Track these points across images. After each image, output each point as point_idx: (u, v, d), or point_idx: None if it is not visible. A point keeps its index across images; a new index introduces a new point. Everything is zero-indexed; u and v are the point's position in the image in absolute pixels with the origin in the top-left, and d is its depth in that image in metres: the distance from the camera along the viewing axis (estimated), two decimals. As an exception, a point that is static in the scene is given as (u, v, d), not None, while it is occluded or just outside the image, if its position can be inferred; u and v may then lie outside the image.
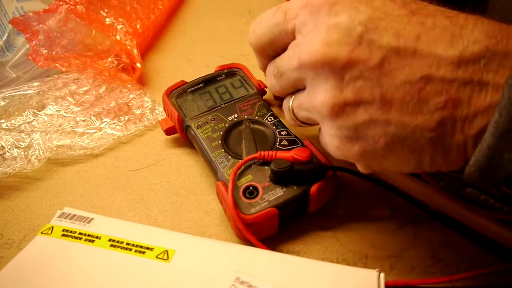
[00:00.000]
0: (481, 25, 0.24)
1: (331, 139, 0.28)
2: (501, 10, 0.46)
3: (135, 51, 0.52)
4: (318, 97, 0.26)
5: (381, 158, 0.27)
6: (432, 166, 0.26)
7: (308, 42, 0.26)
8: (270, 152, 0.35)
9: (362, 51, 0.24)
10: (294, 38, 0.29)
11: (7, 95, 0.49)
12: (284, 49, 0.30)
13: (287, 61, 0.29)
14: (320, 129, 0.31)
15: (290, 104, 0.32)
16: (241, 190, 0.34)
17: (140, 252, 0.30)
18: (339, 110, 0.26)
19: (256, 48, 0.33)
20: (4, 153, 0.43)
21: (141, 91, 0.51)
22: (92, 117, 0.47)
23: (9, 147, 0.43)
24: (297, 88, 0.31)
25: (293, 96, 0.31)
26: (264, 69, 0.35)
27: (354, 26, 0.25)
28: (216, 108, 0.42)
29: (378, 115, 0.25)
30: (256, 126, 0.40)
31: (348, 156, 0.28)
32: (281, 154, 0.35)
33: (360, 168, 0.29)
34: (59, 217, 0.33)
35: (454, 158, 0.25)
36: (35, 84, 0.50)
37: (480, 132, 0.24)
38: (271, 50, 0.32)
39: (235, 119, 0.40)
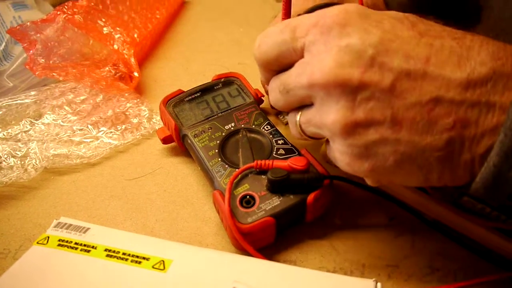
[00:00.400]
0: (487, 46, 0.25)
1: (342, 156, 0.28)
2: (494, 20, 0.47)
3: (132, 60, 0.52)
4: (329, 116, 0.27)
5: (391, 174, 0.27)
6: (440, 181, 0.27)
7: (319, 62, 0.26)
8: (267, 161, 0.35)
9: (373, 73, 0.25)
10: (302, 56, 0.29)
11: (4, 104, 0.49)
12: (290, 65, 0.30)
13: (295, 78, 0.29)
14: (327, 142, 0.31)
15: (298, 119, 0.31)
16: (238, 199, 0.34)
17: (136, 262, 0.30)
18: (350, 129, 0.26)
19: (260, 63, 0.32)
20: (0, 162, 0.43)
21: (138, 100, 0.51)
22: (89, 126, 0.47)
23: (5, 156, 0.43)
24: (303, 104, 0.31)
25: (300, 112, 0.31)
26: (267, 82, 0.34)
27: (365, 48, 0.25)
28: (213, 117, 0.42)
29: (388, 135, 0.26)
30: (253, 135, 0.40)
31: (358, 172, 0.28)
32: (278, 163, 0.35)
33: (369, 182, 0.30)
34: (55, 227, 0.33)
35: (461, 175, 0.26)
36: (32, 93, 0.50)
37: (487, 151, 0.25)
38: (276, 66, 0.32)
39: (232, 128, 0.41)
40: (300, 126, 0.31)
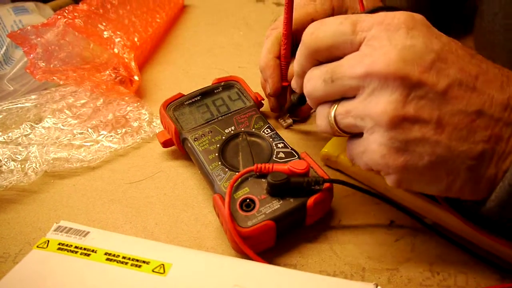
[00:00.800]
0: None
1: (380, 147, 0.29)
2: (483, 32, 0.47)
3: (132, 64, 0.52)
4: (378, 106, 0.28)
5: (418, 175, 0.29)
6: (460, 192, 0.29)
7: (383, 55, 0.27)
8: (267, 165, 0.35)
9: (431, 75, 0.27)
10: (356, 49, 0.30)
11: (4, 108, 0.49)
12: (338, 57, 0.31)
13: (349, 67, 0.29)
14: (352, 138, 0.32)
15: (333, 111, 0.32)
16: (238, 203, 0.34)
17: (136, 266, 0.30)
18: (397, 122, 0.27)
19: (310, 49, 0.32)
20: (1, 166, 0.43)
21: (138, 103, 0.51)
22: (89, 130, 0.47)
23: (5, 160, 0.43)
24: (344, 96, 0.31)
25: (336, 104, 0.32)
26: (301, 72, 0.34)
27: (428, 52, 0.27)
28: (213, 121, 0.42)
29: (430, 135, 0.27)
30: (253, 138, 0.40)
31: (390, 166, 0.29)
32: (277, 167, 0.35)
33: (390, 181, 0.30)
34: (55, 230, 0.33)
35: (482, 188, 0.28)
36: (33, 97, 0.50)
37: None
38: (324, 55, 0.32)
39: (232, 132, 0.41)
40: (335, 117, 0.32)
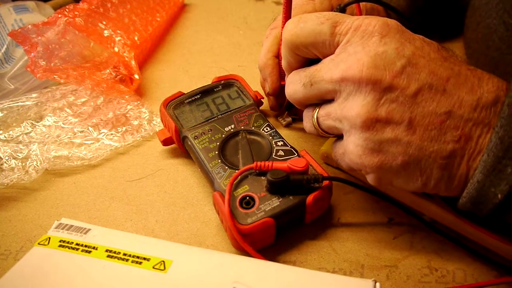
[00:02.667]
0: (493, 79, 0.29)
1: (356, 148, 0.30)
2: (468, 39, 0.47)
3: (133, 62, 0.53)
4: (353, 109, 0.29)
5: (394, 174, 0.30)
6: (435, 189, 0.30)
7: (357, 61, 0.29)
8: (267, 163, 0.36)
9: (402, 79, 0.28)
10: (332, 52, 0.32)
11: (5, 106, 0.49)
12: (315, 56, 0.33)
13: (326, 72, 0.31)
14: (336, 140, 0.35)
15: (316, 113, 0.34)
16: (237, 200, 0.34)
17: (137, 262, 0.30)
18: (370, 124, 0.29)
19: (289, 45, 0.33)
20: (1, 164, 0.43)
21: (138, 102, 0.51)
22: (90, 128, 0.48)
23: (7, 158, 0.44)
24: (322, 99, 0.33)
25: (318, 107, 0.34)
26: (288, 67, 0.36)
27: (400, 57, 0.29)
28: (213, 119, 0.42)
29: (402, 136, 0.29)
30: (252, 136, 0.40)
31: (366, 166, 0.31)
32: (277, 165, 0.36)
33: (371, 180, 0.32)
34: (56, 227, 0.33)
35: (455, 186, 0.30)
36: (33, 95, 0.51)
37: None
38: (303, 52, 0.33)
39: (232, 130, 0.41)
40: (318, 119, 0.34)
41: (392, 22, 0.31)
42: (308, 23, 0.32)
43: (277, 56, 0.45)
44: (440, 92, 0.28)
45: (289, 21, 0.33)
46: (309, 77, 0.33)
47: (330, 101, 0.33)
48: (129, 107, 0.50)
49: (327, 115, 0.33)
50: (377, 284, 0.28)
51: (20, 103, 0.50)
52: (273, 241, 0.35)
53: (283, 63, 0.36)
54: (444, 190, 0.30)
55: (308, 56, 0.34)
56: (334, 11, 0.40)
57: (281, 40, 0.44)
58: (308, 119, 0.35)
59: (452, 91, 0.28)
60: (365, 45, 0.29)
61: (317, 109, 0.34)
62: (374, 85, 0.28)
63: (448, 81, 0.28)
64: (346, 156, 0.32)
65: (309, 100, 0.34)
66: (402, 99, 0.28)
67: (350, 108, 0.30)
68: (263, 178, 0.36)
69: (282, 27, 0.43)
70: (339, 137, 0.34)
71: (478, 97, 0.28)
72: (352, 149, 0.31)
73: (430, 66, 0.29)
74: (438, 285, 0.33)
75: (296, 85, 0.34)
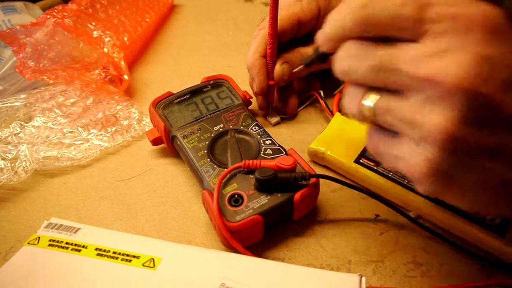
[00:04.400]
0: None
1: (423, 162, 0.24)
2: None
3: (122, 63, 0.53)
4: (433, 119, 0.23)
5: (459, 196, 0.26)
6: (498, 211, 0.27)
7: (454, 63, 0.22)
8: (255, 161, 0.36)
9: (508, 97, 0.22)
10: (415, 39, 0.24)
11: (-6, 107, 0.49)
12: (384, 39, 0.25)
13: (406, 64, 0.24)
14: (385, 133, 0.27)
15: (367, 100, 0.27)
16: (226, 198, 0.35)
17: (126, 260, 0.30)
18: (453, 144, 0.23)
19: (357, 24, 0.26)
20: (-10, 165, 0.43)
21: (128, 102, 0.51)
22: (79, 129, 0.48)
23: (-5, 159, 0.44)
24: (385, 87, 0.26)
25: (372, 93, 0.27)
26: (338, 37, 0.27)
27: (505, 68, 0.22)
28: (202, 119, 0.43)
29: (488, 165, 0.24)
30: (241, 135, 0.41)
31: (428, 185, 0.25)
32: (265, 163, 0.36)
33: (422, 190, 0.26)
34: (45, 227, 0.33)
35: None
36: (22, 96, 0.51)
37: None
38: (371, 33, 0.26)
39: (221, 129, 0.41)
40: (371, 108, 0.27)
41: (498, 13, 0.23)
42: (386, 2, 0.25)
43: (265, 56, 0.45)
44: None
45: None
46: (382, 61, 0.25)
47: (397, 92, 0.25)
48: (118, 107, 0.50)
49: (388, 111, 0.25)
50: (363, 278, 0.29)
51: (9, 104, 0.50)
52: (261, 238, 0.36)
53: (334, 31, 0.27)
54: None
55: (376, 35, 0.26)
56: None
57: (269, 35, 0.43)
58: (355, 100, 0.27)
59: None
60: (463, 42, 0.23)
61: (371, 94, 0.26)
62: (470, 98, 0.22)
63: None
64: (402, 163, 0.26)
65: (368, 84, 0.27)
66: (500, 122, 0.23)
67: (428, 117, 0.23)
68: (251, 176, 0.36)
69: (269, 28, 0.43)
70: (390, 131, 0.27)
71: None
72: (418, 162, 0.25)
73: None
74: (423, 279, 0.33)
75: (358, 62, 0.26)
